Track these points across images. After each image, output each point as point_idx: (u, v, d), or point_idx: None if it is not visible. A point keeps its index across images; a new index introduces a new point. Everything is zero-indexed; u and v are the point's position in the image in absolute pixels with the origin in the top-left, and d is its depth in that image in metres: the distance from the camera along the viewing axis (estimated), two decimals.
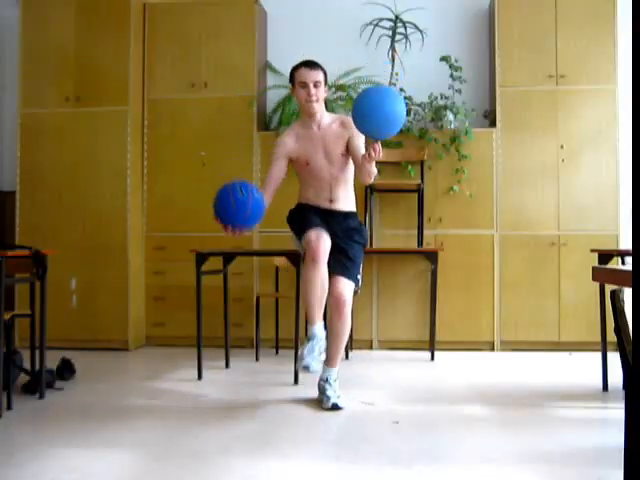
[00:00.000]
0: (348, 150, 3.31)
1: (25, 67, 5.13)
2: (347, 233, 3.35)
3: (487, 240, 4.97)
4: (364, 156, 3.05)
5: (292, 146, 3.34)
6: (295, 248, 3.55)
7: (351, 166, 3.37)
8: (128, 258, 4.99)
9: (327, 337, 3.19)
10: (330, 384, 3.22)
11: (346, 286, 3.20)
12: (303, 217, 3.34)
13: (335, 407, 3.12)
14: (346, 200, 3.40)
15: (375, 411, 3.16)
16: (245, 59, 5.17)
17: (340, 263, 3.25)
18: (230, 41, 5.16)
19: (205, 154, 5.16)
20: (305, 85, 3.26)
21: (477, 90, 5.33)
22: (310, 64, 3.34)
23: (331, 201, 3.36)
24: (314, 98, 3.26)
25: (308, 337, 3.13)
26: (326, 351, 3.19)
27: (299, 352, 3.12)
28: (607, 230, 4.87)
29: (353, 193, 3.47)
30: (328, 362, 3.25)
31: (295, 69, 3.35)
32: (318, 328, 3.13)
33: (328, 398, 3.15)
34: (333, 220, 3.33)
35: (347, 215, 3.40)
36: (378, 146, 2.97)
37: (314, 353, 3.07)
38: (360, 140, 3.27)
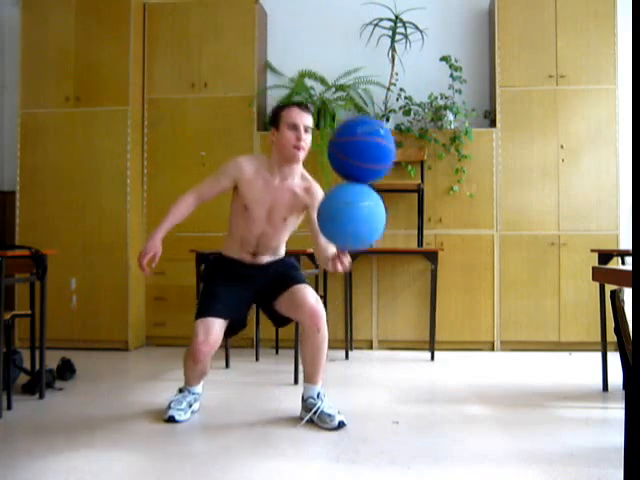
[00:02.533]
0: (297, 214, 2.99)
1: (25, 67, 5.13)
2: (276, 273, 3.00)
3: (487, 240, 4.97)
4: (328, 264, 2.66)
5: (246, 179, 2.91)
6: None
7: (290, 228, 3.03)
8: (128, 258, 4.99)
9: (303, 356, 2.94)
10: (322, 399, 2.91)
11: (315, 295, 2.88)
12: (212, 291, 2.94)
13: (342, 425, 2.81)
14: (273, 254, 3.05)
15: (375, 411, 3.16)
16: (245, 59, 5.17)
17: (288, 277, 2.96)
18: (230, 41, 5.17)
19: (205, 154, 5.16)
20: (296, 128, 2.83)
21: (477, 90, 5.33)
22: (304, 106, 2.92)
23: (254, 255, 2.99)
24: (303, 145, 2.84)
25: (182, 389, 3.04)
26: (305, 370, 2.95)
27: (173, 401, 2.98)
28: (607, 230, 4.87)
29: (284, 246, 3.11)
30: (310, 380, 2.94)
31: (284, 108, 2.91)
32: (198, 388, 3.07)
33: (331, 417, 2.82)
34: (256, 274, 2.99)
35: (271, 264, 3.03)
36: (346, 259, 2.57)
37: (181, 405, 2.96)
38: None
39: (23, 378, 3.57)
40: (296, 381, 3.75)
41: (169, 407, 2.95)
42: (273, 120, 2.93)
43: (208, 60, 5.19)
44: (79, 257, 5.02)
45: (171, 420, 2.89)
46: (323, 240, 2.67)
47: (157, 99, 5.23)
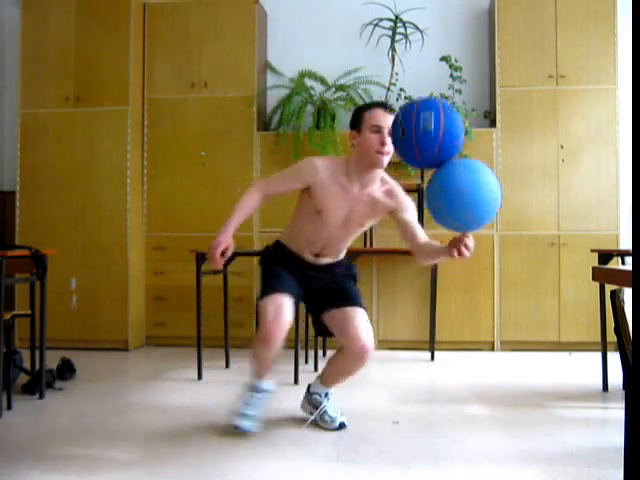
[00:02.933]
0: (377, 219, 2.86)
1: (25, 67, 5.13)
2: (332, 279, 2.85)
3: (487, 240, 4.97)
4: (450, 251, 2.44)
5: (322, 184, 2.69)
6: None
7: (358, 232, 2.87)
8: (128, 258, 4.99)
9: (332, 363, 2.85)
10: (328, 398, 2.89)
11: (368, 327, 2.68)
12: (275, 271, 2.79)
13: (342, 426, 2.82)
14: (335, 256, 2.88)
15: (375, 411, 3.16)
16: (245, 59, 5.17)
17: (344, 293, 2.78)
18: (230, 41, 5.16)
19: (205, 154, 5.16)
20: (380, 131, 2.61)
21: (477, 90, 5.33)
22: (387, 107, 2.68)
23: (317, 256, 2.83)
24: (387, 150, 2.60)
25: (253, 388, 2.75)
26: (325, 372, 2.88)
27: (240, 404, 2.72)
28: (607, 230, 4.87)
29: (345, 249, 2.93)
30: (325, 383, 2.89)
31: (366, 109, 2.69)
32: (268, 384, 2.79)
33: (333, 419, 2.81)
34: (313, 274, 2.83)
35: (331, 265, 2.87)
36: (470, 241, 2.36)
37: (248, 410, 2.71)
38: (413, 213, 2.75)
39: (23, 378, 3.57)
40: (296, 381, 3.75)
41: (241, 412, 2.71)
42: (354, 122, 2.70)
43: (208, 60, 5.19)
44: (79, 257, 5.02)
45: (238, 430, 2.66)
46: (422, 238, 2.67)
47: (157, 99, 5.23)
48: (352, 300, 2.76)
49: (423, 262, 2.75)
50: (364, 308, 2.77)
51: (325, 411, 2.84)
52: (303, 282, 2.81)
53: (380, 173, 2.74)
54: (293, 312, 2.65)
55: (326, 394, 2.91)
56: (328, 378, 2.88)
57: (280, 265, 2.80)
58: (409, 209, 2.75)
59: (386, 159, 2.64)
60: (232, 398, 3.45)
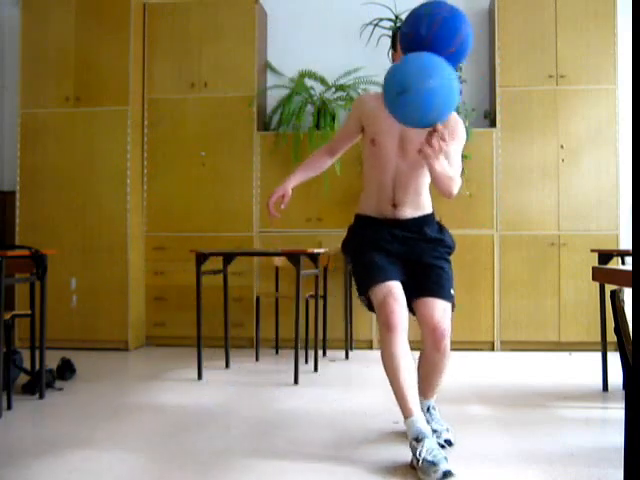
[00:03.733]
0: None
1: (25, 67, 5.13)
2: (425, 248, 2.61)
3: (487, 240, 4.97)
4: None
5: (369, 111, 2.61)
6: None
7: (424, 168, 2.55)
8: (128, 258, 4.99)
9: (419, 368, 2.58)
10: (431, 414, 2.65)
11: (443, 311, 2.50)
12: (365, 260, 2.58)
13: (447, 475, 2.19)
14: (416, 205, 2.65)
15: (375, 411, 3.16)
16: (245, 59, 5.17)
17: (426, 280, 2.55)
18: (230, 41, 5.16)
19: (205, 154, 5.16)
20: None
21: (477, 90, 5.33)
22: None
23: (394, 205, 2.61)
24: None
25: (416, 438, 2.28)
26: (419, 383, 2.51)
27: (418, 462, 2.21)
28: (607, 230, 4.87)
29: (427, 197, 2.72)
30: (422, 393, 2.58)
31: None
32: (420, 421, 2.32)
33: (436, 466, 2.19)
34: (403, 236, 2.60)
35: (419, 222, 2.64)
36: (435, 139, 2.17)
37: (436, 452, 2.24)
38: (458, 147, 2.56)
39: (23, 378, 3.57)
40: (296, 381, 3.75)
41: (434, 465, 2.20)
42: (394, 41, 2.68)
43: (208, 60, 5.19)
44: (79, 257, 5.02)
45: (448, 475, 2.18)
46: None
47: (157, 99, 5.23)
48: (437, 291, 2.53)
49: (436, 187, 2.50)
50: (453, 304, 2.57)
51: (424, 459, 2.23)
52: (396, 255, 2.59)
53: None
54: (403, 293, 2.50)
55: (428, 408, 2.66)
56: (421, 386, 2.56)
57: (367, 247, 2.61)
58: (457, 141, 2.54)
59: None
60: (232, 398, 3.46)
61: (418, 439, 2.26)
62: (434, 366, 2.56)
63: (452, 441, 2.58)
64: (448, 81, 2.16)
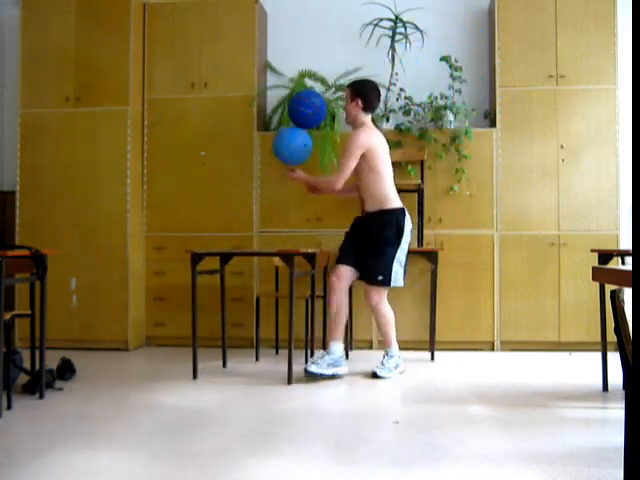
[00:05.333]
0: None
1: (25, 67, 5.13)
2: (367, 236, 3.98)
3: (487, 240, 4.97)
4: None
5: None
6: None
7: (366, 171, 3.97)
8: (128, 258, 4.99)
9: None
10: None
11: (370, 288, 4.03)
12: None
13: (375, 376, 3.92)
14: (371, 202, 3.99)
15: (375, 411, 3.16)
16: (245, 59, 5.17)
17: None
18: (230, 41, 5.16)
19: (205, 154, 5.16)
20: None
21: (477, 90, 5.33)
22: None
23: (361, 203, 4.13)
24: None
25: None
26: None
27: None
28: (607, 230, 4.87)
29: (379, 193, 3.97)
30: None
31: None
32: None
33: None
34: (359, 226, 4.12)
35: (370, 216, 4.00)
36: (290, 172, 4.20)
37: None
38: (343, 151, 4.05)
39: (23, 378, 3.57)
40: (290, 381, 3.73)
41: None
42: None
43: (208, 60, 5.19)
44: (79, 257, 5.02)
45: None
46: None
47: (157, 99, 5.23)
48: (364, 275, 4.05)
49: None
50: (369, 281, 4.01)
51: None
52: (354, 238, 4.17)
53: (353, 126, 4.13)
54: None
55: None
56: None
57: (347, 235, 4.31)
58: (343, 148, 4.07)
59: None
60: (232, 398, 3.46)
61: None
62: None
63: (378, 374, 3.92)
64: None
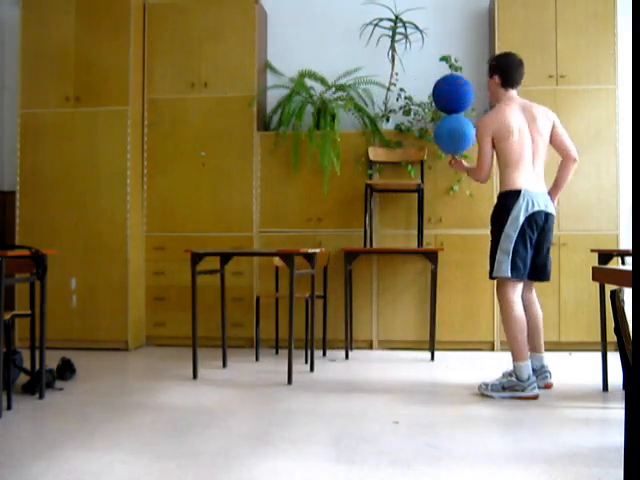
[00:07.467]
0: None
1: (25, 67, 5.13)
2: None
3: (487, 240, 4.95)
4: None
5: None
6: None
7: (497, 153, 3.69)
8: (128, 258, 4.99)
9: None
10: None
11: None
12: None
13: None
14: (501, 183, 3.71)
15: (375, 411, 3.16)
16: (245, 59, 5.17)
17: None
18: (230, 41, 5.16)
19: (205, 154, 5.16)
20: None
21: (477, 90, 5.32)
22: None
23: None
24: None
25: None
26: None
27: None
28: (607, 230, 4.87)
29: (501, 175, 3.69)
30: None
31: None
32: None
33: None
34: None
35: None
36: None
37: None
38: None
39: (23, 378, 3.57)
40: (290, 381, 3.73)
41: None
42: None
43: (208, 60, 5.19)
44: (79, 257, 5.02)
45: None
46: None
47: (157, 99, 5.23)
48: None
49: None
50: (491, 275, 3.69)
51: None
52: None
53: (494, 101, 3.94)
54: None
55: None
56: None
57: None
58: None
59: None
60: (232, 398, 3.46)
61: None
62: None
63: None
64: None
